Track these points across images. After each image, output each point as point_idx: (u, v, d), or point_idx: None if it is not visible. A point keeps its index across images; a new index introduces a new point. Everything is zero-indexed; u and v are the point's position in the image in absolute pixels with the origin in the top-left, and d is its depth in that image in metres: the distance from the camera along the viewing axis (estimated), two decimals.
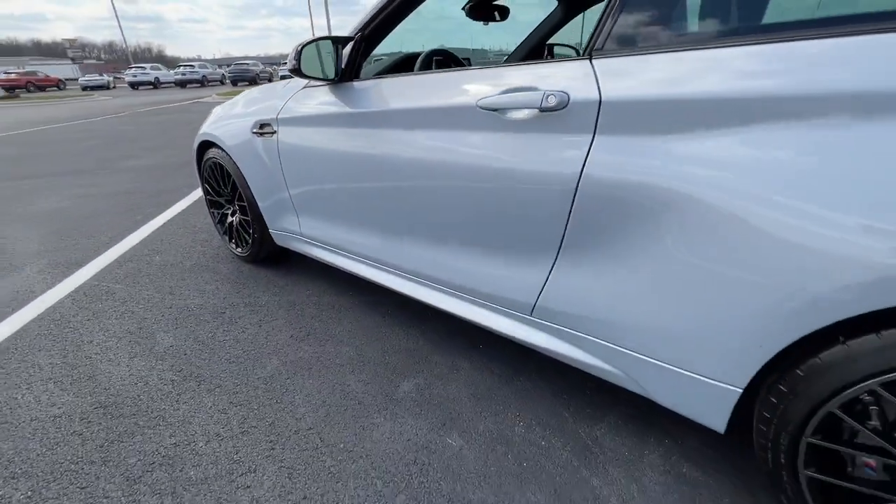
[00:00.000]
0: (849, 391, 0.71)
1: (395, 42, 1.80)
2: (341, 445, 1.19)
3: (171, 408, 1.34)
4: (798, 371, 0.77)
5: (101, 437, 1.23)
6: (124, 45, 71.28)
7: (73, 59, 42.35)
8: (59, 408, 1.35)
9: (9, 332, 1.75)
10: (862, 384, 0.70)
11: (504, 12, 1.99)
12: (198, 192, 3.60)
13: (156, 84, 28.23)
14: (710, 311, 0.84)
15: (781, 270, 0.73)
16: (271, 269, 2.24)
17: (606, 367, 1.08)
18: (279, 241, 2.06)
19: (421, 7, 1.40)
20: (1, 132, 8.34)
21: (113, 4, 44.94)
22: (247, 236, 2.21)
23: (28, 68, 34.34)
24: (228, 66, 30.78)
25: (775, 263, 0.74)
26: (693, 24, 0.98)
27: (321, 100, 1.57)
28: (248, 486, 1.08)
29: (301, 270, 2.22)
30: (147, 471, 1.13)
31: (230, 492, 1.07)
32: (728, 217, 0.78)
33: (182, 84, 28.14)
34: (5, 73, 29.94)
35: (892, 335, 0.67)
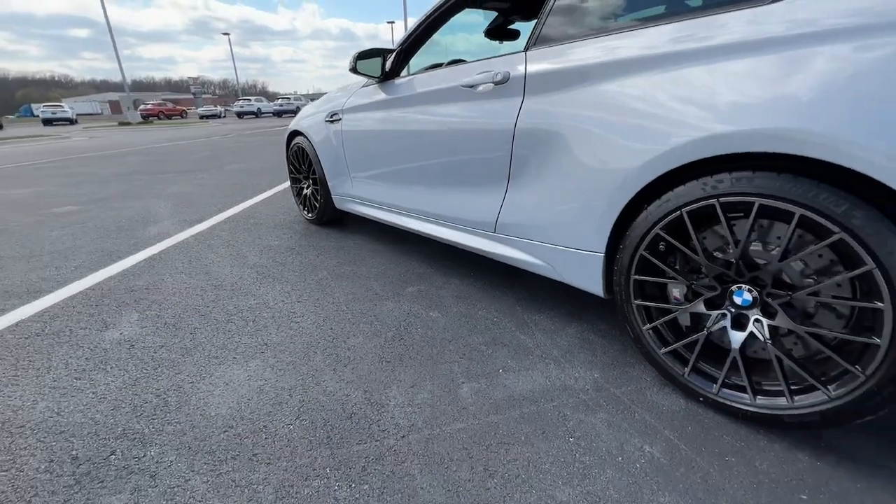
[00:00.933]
0: (647, 237, 1.16)
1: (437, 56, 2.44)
2: (359, 311, 1.77)
3: (254, 288, 2.00)
4: (627, 232, 1.22)
5: (212, 297, 1.92)
6: (236, 83, 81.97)
7: (194, 94, 49.74)
8: (188, 285, 2.07)
9: (156, 251, 2.57)
10: (652, 230, 1.15)
11: (515, 35, 2.57)
12: (280, 187, 4.50)
13: (257, 114, 32.30)
14: (583, 202, 1.31)
15: (609, 170, 1.21)
16: (331, 228, 2.93)
17: (538, 262, 1.56)
18: (338, 205, 2.74)
19: (447, 33, 2.03)
20: (142, 146, 10.38)
21: (231, 50, 52.56)
22: (315, 203, 2.93)
23: (159, 101, 40.90)
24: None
25: (605, 167, 1.21)
26: (571, 30, 1.46)
27: (371, 93, 2.24)
28: (298, 322, 1.68)
29: (352, 230, 2.88)
30: (239, 311, 1.78)
31: (287, 322, 1.68)
32: (582, 143, 1.27)
33: (279, 114, 31.89)
34: (143, 105, 36.06)
35: (665, 197, 1.12)
